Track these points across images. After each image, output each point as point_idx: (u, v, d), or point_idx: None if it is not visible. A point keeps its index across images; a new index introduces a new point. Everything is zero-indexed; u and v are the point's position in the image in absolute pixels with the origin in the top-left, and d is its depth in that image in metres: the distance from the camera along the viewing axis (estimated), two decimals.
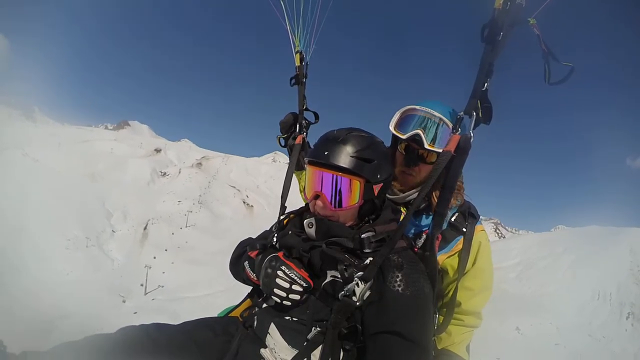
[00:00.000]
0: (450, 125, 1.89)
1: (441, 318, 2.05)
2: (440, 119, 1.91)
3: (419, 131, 1.89)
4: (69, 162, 52.91)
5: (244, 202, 61.28)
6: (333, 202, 1.64)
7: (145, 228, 39.15)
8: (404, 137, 1.94)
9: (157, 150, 79.96)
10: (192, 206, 50.37)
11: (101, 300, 23.26)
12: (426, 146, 1.87)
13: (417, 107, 1.99)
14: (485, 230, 2.09)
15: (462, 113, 1.69)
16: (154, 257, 29.43)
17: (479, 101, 1.66)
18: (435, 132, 1.90)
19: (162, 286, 25.79)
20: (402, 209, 2.00)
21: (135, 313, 20.23)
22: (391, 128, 2.04)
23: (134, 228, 39.07)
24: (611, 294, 22.70)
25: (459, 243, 1.98)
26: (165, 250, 34.82)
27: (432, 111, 1.94)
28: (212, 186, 64.53)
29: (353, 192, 1.64)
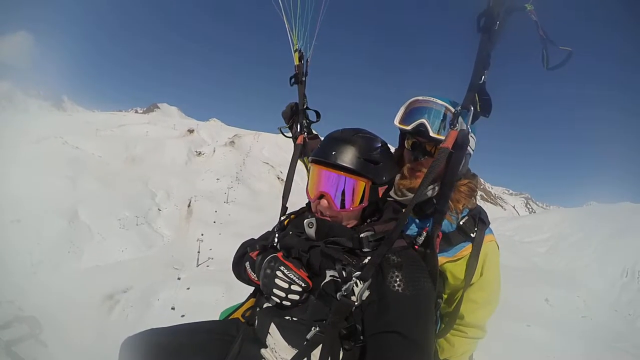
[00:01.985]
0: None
1: (442, 325, 2.07)
2: (446, 107, 1.90)
3: (423, 120, 1.89)
4: (109, 147, 54.48)
5: (278, 178, 61.87)
6: (338, 203, 1.67)
7: (189, 205, 40.40)
8: (408, 128, 1.95)
9: (190, 131, 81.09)
10: (231, 183, 51.39)
11: (157, 274, 24.35)
12: (431, 134, 1.88)
13: (420, 98, 1.98)
14: (495, 240, 2.03)
15: (459, 108, 1.66)
16: (202, 234, 30.51)
17: (476, 94, 1.63)
18: (441, 121, 1.89)
19: (212, 258, 26.80)
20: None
21: (188, 289, 21.14)
22: (396, 122, 2.04)
23: (179, 206, 40.37)
24: (639, 272, 22.42)
25: (465, 249, 1.94)
26: (214, 222, 35.92)
27: (435, 100, 1.93)
28: (247, 163, 65.37)
29: (359, 194, 1.66)
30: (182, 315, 20.18)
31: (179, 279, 23.62)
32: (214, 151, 76.12)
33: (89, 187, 39.87)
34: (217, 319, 2.29)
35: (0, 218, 31.17)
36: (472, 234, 1.93)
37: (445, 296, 2.03)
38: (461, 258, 1.93)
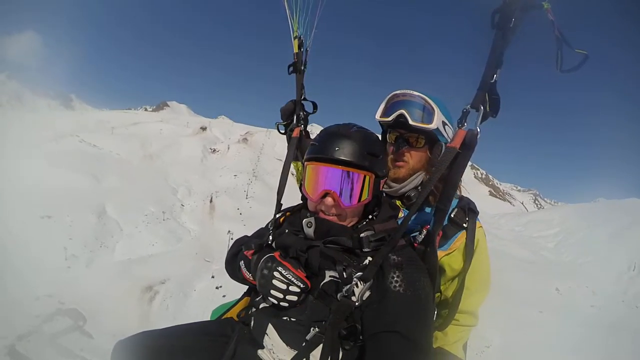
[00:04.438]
0: (432, 103, 1.93)
1: (439, 320, 2.04)
2: (422, 98, 1.94)
3: (402, 111, 1.93)
4: (126, 145, 54.71)
5: (292, 174, 62.13)
6: (345, 199, 1.60)
7: (211, 201, 40.97)
8: (389, 119, 1.98)
9: (203, 129, 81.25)
10: (249, 179, 52.04)
11: (190, 266, 24.83)
12: (411, 122, 1.90)
13: (398, 92, 2.01)
14: (482, 227, 2.03)
15: (468, 106, 1.60)
16: (229, 231, 30.99)
17: (487, 94, 1.57)
18: (420, 111, 1.94)
19: None
20: (398, 203, 2.01)
21: (220, 287, 21.81)
22: (377, 117, 2.07)
23: (202, 201, 40.54)
24: None
25: (458, 239, 1.94)
26: (240, 214, 36.41)
27: (412, 92, 1.97)
28: (261, 160, 65.79)
29: (365, 188, 1.61)
30: (224, 296, 20.84)
31: (212, 277, 23.79)
32: (228, 148, 76.18)
33: (112, 183, 40.06)
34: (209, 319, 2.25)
35: (30, 214, 31.99)
36: (464, 224, 1.94)
37: (442, 288, 2.02)
38: (455, 249, 1.93)
